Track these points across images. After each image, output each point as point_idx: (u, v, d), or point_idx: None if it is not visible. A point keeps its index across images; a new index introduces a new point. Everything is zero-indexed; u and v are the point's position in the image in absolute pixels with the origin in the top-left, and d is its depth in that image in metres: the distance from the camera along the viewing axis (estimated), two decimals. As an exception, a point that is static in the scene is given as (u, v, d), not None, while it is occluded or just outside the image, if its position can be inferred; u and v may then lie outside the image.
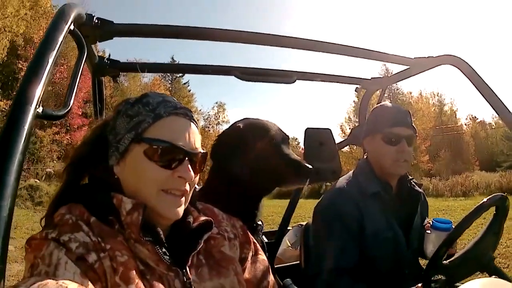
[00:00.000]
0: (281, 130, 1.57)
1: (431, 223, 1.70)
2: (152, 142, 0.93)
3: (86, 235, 0.83)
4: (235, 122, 1.60)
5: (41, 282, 0.69)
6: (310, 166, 1.47)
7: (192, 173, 0.95)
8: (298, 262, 2.19)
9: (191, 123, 1.00)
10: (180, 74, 35.58)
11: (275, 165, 1.47)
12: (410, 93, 35.88)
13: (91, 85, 1.98)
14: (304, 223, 2.89)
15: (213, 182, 1.55)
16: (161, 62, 1.91)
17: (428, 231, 1.70)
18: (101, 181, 0.99)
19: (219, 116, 35.19)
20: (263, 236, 3.19)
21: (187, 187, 0.96)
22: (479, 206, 1.42)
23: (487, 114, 37.67)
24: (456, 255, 1.45)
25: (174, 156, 0.94)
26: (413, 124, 1.80)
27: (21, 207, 11.61)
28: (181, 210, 0.96)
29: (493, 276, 1.34)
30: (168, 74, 34.82)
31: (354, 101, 34.43)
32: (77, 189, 0.98)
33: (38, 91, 0.89)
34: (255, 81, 2.20)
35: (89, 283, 0.77)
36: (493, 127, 36.75)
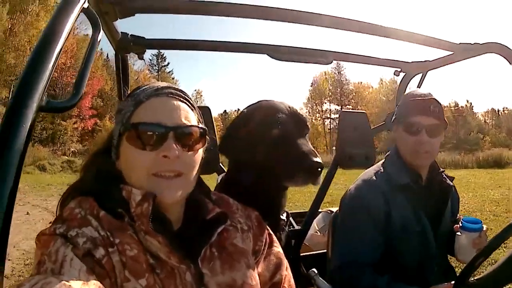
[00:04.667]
0: (297, 114, 1.39)
1: (460, 224, 1.61)
2: (131, 127, 0.91)
3: (95, 230, 0.82)
4: (246, 107, 1.47)
5: (44, 281, 0.67)
6: (320, 162, 1.26)
7: (177, 150, 0.90)
8: (325, 250, 2.12)
9: (176, 100, 0.96)
10: (166, 63, 39.53)
11: (279, 157, 1.28)
12: (360, 82, 44.04)
13: (115, 63, 1.91)
14: (333, 209, 2.82)
15: (228, 174, 1.46)
16: (190, 39, 1.81)
17: (458, 233, 1.60)
18: (108, 175, 0.96)
19: (197, 102, 38.46)
20: (291, 219, 3.16)
21: (179, 166, 0.92)
22: None
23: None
24: (488, 271, 1.32)
25: (156, 136, 0.90)
26: (439, 114, 1.67)
27: (65, 175, 16.56)
28: (178, 192, 0.92)
29: None
30: (155, 63, 36.97)
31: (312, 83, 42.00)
32: (87, 184, 0.97)
33: (43, 80, 0.81)
34: (288, 61, 2.10)
35: (96, 279, 0.74)
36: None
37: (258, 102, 1.45)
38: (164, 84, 0.98)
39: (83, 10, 1.02)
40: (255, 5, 1.46)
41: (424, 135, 1.65)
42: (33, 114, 0.76)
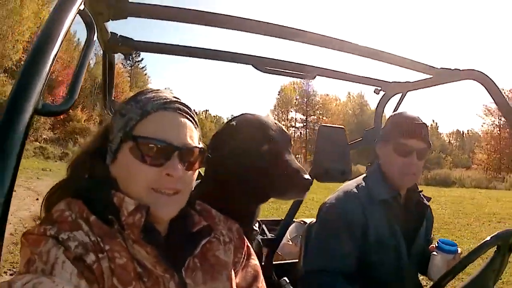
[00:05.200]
0: (283, 131, 1.39)
1: (436, 245, 1.69)
2: (137, 139, 0.91)
3: (86, 235, 0.83)
4: (231, 119, 1.46)
5: (37, 280, 0.68)
6: (309, 178, 1.27)
7: (181, 170, 0.91)
8: (296, 260, 2.17)
9: (183, 117, 0.96)
10: (140, 59, 39.38)
11: (270, 173, 1.28)
12: (327, 94, 46.67)
13: (102, 63, 1.90)
14: (307, 220, 2.86)
15: (205, 185, 1.41)
16: (177, 44, 1.82)
17: (434, 253, 1.68)
18: (100, 179, 0.96)
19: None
20: (264, 227, 3.16)
21: (179, 185, 0.93)
22: (483, 244, 1.40)
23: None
24: None
25: (160, 152, 0.91)
26: (428, 138, 1.75)
27: (37, 160, 17.24)
28: (174, 209, 0.95)
29: None
30: (129, 59, 37.06)
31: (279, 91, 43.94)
32: (77, 184, 0.96)
33: (40, 83, 0.80)
34: (272, 73, 2.12)
35: (86, 283, 0.76)
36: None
37: (242, 114, 1.44)
38: (171, 96, 0.98)
39: (79, 12, 1.01)
40: (244, 18, 1.48)
41: (414, 158, 1.71)
42: (29, 117, 0.76)
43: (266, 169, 1.28)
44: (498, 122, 37.21)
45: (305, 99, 45.19)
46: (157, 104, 0.94)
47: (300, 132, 43.43)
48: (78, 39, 31.04)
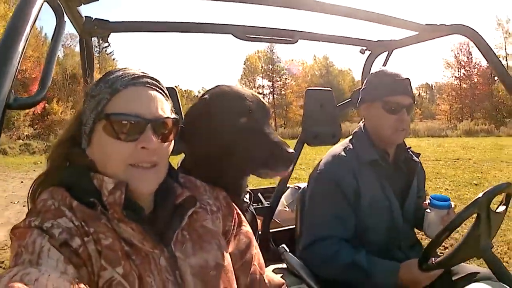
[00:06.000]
0: (260, 101, 1.31)
1: (429, 201, 1.69)
2: (109, 117, 0.90)
3: (69, 220, 0.82)
4: (204, 93, 1.35)
5: (24, 272, 0.68)
6: (292, 151, 1.18)
7: (155, 142, 0.91)
8: (293, 226, 2.16)
9: (152, 91, 0.96)
10: (107, 44, 37.31)
11: (249, 148, 1.20)
12: (292, 60, 47.65)
13: (79, 47, 1.87)
14: (300, 185, 2.87)
15: (188, 160, 1.36)
16: (155, 21, 1.75)
17: (428, 210, 1.69)
18: (79, 164, 0.96)
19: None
20: (260, 196, 3.19)
21: (156, 157, 0.94)
22: (475, 201, 1.36)
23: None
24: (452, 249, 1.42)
25: (133, 127, 0.90)
26: (413, 93, 1.74)
27: (25, 156, 17.62)
28: (153, 182, 0.94)
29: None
30: (96, 45, 36.25)
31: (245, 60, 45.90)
32: (58, 173, 0.96)
33: (9, 77, 0.79)
34: (254, 41, 2.09)
35: (73, 268, 0.76)
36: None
37: (217, 86, 1.34)
38: (139, 72, 0.97)
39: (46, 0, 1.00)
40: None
41: (404, 114, 1.69)
42: (1, 112, 0.76)
43: (245, 143, 1.20)
44: (458, 74, 39.31)
45: (270, 66, 46.09)
46: (125, 81, 0.93)
47: (268, 98, 44.04)
48: (45, 34, 30.68)
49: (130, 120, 0.90)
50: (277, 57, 46.36)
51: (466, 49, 37.83)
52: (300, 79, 45.29)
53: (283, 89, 45.24)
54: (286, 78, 46.23)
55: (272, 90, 46.02)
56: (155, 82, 0.97)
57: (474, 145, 17.15)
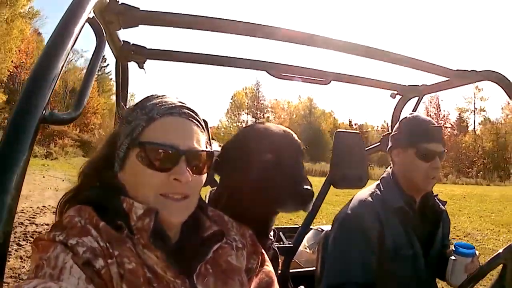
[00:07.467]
0: (293, 140, 1.32)
1: (453, 249, 1.66)
2: (144, 145, 0.90)
3: (95, 240, 0.82)
4: (241, 129, 1.44)
5: (44, 285, 0.68)
6: (310, 189, 1.18)
7: (188, 174, 0.90)
8: (313, 268, 2.13)
9: (189, 122, 0.95)
10: (106, 65, 41.68)
11: (272, 184, 1.21)
12: (276, 99, 51.46)
13: (115, 71, 1.91)
14: (324, 227, 2.82)
15: (219, 192, 1.40)
16: (190, 52, 1.80)
17: (452, 257, 1.64)
18: (109, 186, 0.96)
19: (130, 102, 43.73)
20: (282, 235, 3.12)
21: (188, 189, 0.93)
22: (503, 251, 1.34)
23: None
24: None
25: (167, 157, 0.90)
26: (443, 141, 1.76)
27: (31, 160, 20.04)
28: (183, 213, 0.94)
29: None
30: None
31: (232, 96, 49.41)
32: (88, 191, 0.95)
33: (47, 92, 0.80)
34: (286, 79, 2.11)
35: None
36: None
37: (252, 124, 1.42)
38: (177, 101, 0.97)
39: (88, 20, 1.01)
40: (254, 23, 1.47)
41: (437, 161, 1.70)
42: (35, 126, 0.75)
43: (270, 179, 1.22)
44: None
45: (255, 103, 49.61)
46: (162, 110, 0.93)
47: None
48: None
49: (164, 150, 0.89)
50: (263, 95, 50.38)
51: (436, 102, 40.75)
52: (282, 119, 48.61)
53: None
54: (268, 116, 49.57)
55: (255, 125, 49.68)
56: (192, 113, 0.97)
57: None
